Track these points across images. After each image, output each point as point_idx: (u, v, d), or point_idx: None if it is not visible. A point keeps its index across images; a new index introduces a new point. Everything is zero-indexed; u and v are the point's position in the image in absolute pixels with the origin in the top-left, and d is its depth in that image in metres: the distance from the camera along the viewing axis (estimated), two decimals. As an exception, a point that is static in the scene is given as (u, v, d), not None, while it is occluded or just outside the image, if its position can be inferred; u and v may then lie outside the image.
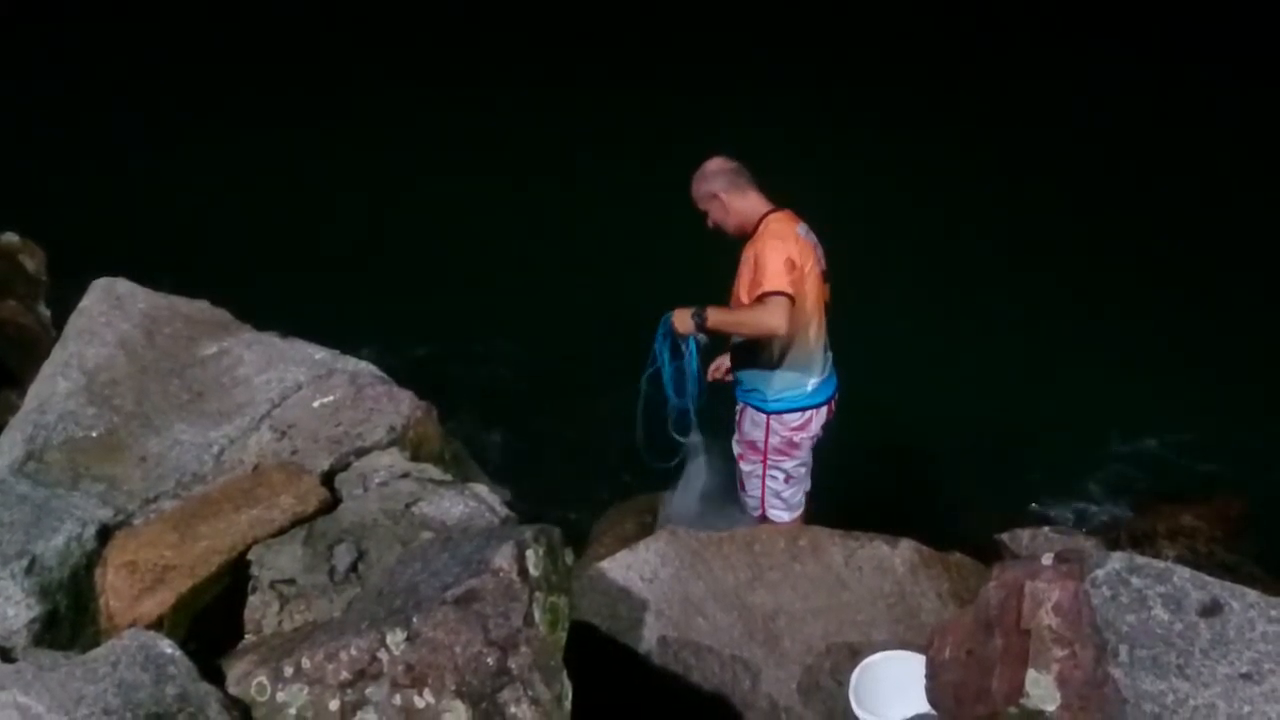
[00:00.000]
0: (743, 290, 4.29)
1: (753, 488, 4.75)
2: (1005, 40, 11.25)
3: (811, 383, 4.48)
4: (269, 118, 9.66)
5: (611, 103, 9.91)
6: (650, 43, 11.18)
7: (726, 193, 4.33)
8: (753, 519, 4.81)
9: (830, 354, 4.57)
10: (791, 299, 4.12)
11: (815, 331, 4.41)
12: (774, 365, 4.43)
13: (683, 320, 4.26)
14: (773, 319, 4.12)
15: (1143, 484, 6.11)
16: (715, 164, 4.40)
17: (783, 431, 4.54)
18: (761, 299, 4.12)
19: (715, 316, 4.24)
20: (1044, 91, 10.45)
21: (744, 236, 4.37)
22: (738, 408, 4.68)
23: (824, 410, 4.58)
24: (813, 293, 4.32)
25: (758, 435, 4.59)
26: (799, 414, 4.51)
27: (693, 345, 4.37)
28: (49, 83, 9.97)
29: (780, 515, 4.74)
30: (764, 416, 4.54)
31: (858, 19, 11.71)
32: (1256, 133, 9.47)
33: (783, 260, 4.14)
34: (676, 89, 10.18)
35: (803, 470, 4.70)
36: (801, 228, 4.32)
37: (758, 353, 4.42)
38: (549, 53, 11.03)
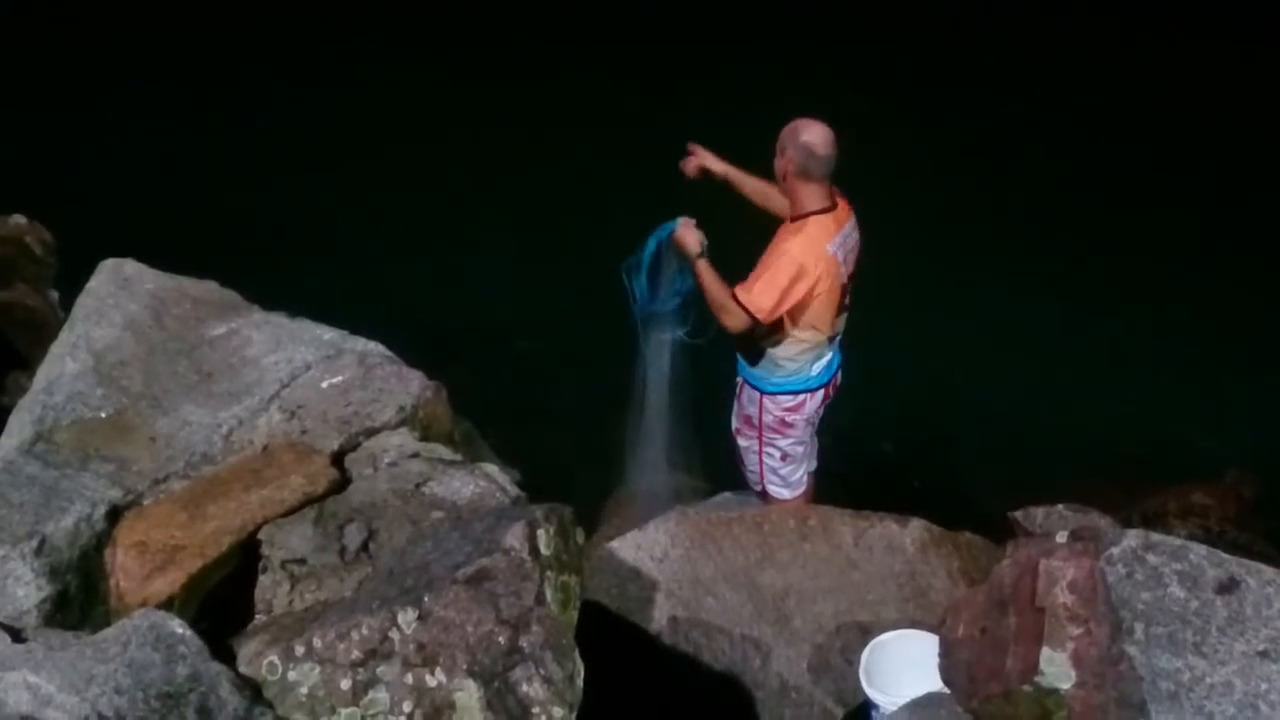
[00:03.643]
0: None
1: (751, 463, 4.75)
2: (1020, 24, 11.18)
3: (813, 372, 4.47)
4: (275, 98, 9.62)
5: (622, 86, 9.87)
6: (659, 23, 11.14)
7: (792, 165, 4.15)
8: (754, 493, 4.82)
9: (836, 349, 4.55)
10: (757, 321, 4.14)
11: (824, 338, 4.39)
12: (778, 359, 4.41)
13: (688, 242, 4.18)
14: (729, 321, 4.18)
15: (1154, 462, 6.08)
16: (808, 134, 4.14)
17: (776, 411, 4.53)
18: (739, 296, 4.13)
19: (703, 269, 4.17)
20: (1054, 79, 10.39)
21: (787, 210, 4.31)
22: (737, 381, 4.67)
23: (820, 394, 4.57)
24: (826, 307, 4.28)
25: (752, 411, 4.59)
26: (792, 396, 4.50)
27: (683, 272, 4.30)
28: (54, 64, 9.94)
29: (780, 492, 4.74)
30: (758, 394, 4.53)
31: (861, 6, 11.66)
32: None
33: (785, 284, 4.10)
34: (681, 78, 10.13)
35: (800, 450, 4.68)
36: (834, 242, 4.22)
37: (763, 345, 4.40)
38: (552, 35, 10.98)
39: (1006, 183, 8.67)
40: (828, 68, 10.27)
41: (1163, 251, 7.87)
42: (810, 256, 4.14)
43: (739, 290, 4.13)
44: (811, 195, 4.20)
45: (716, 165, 4.53)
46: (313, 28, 10.87)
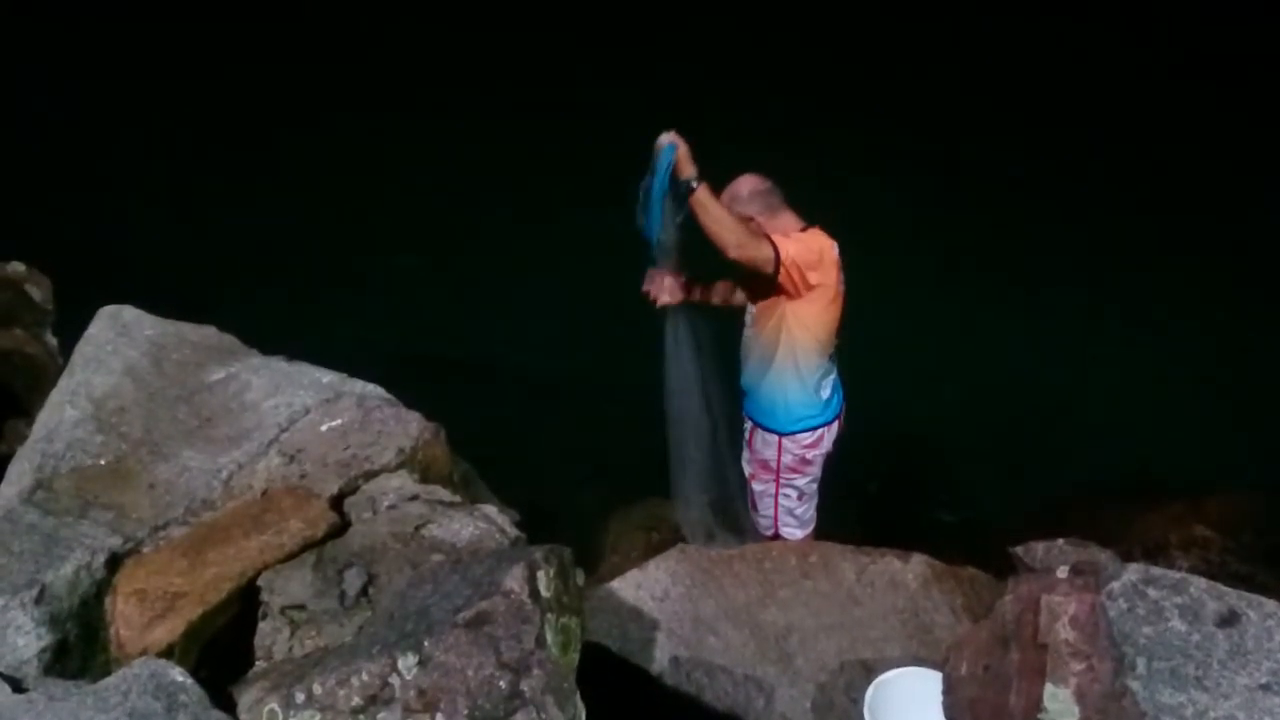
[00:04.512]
0: (760, 283, 4.25)
1: (765, 507, 4.73)
2: (1017, 30, 11.27)
3: (823, 401, 4.47)
4: (272, 143, 9.68)
5: (617, 117, 9.93)
6: (651, 57, 11.23)
7: (762, 215, 4.22)
8: (764, 536, 4.80)
9: (836, 369, 4.56)
10: (777, 259, 4.06)
11: (829, 349, 4.40)
12: (788, 387, 4.41)
13: (685, 169, 3.99)
14: (730, 235, 4.00)
15: (1154, 493, 6.05)
16: (749, 186, 4.27)
17: (795, 450, 4.52)
18: (758, 233, 4.10)
19: (703, 194, 3.98)
20: (1049, 84, 10.47)
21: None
22: (747, 426, 4.66)
23: (835, 426, 4.58)
24: (833, 308, 4.30)
25: (770, 454, 4.57)
26: (810, 433, 4.50)
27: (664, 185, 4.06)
28: (52, 110, 10.01)
29: (793, 532, 4.73)
30: (775, 436, 4.52)
31: (852, 17, 11.76)
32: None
33: (804, 253, 4.12)
34: (670, 111, 10.20)
35: (814, 487, 4.69)
36: (834, 248, 4.28)
37: (774, 373, 4.40)
38: (542, 74, 11.09)
39: (999, 216, 8.69)
40: (817, 83, 10.38)
41: (1163, 277, 7.89)
42: (821, 241, 4.22)
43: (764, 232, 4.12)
44: (789, 224, 4.26)
45: (679, 295, 4.49)
46: (306, 71, 10.96)
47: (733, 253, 4.04)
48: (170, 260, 7.69)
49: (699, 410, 4.53)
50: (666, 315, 4.42)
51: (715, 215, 4.01)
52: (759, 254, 4.07)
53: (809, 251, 4.15)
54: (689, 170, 4.01)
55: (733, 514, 4.94)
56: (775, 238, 4.10)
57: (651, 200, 4.09)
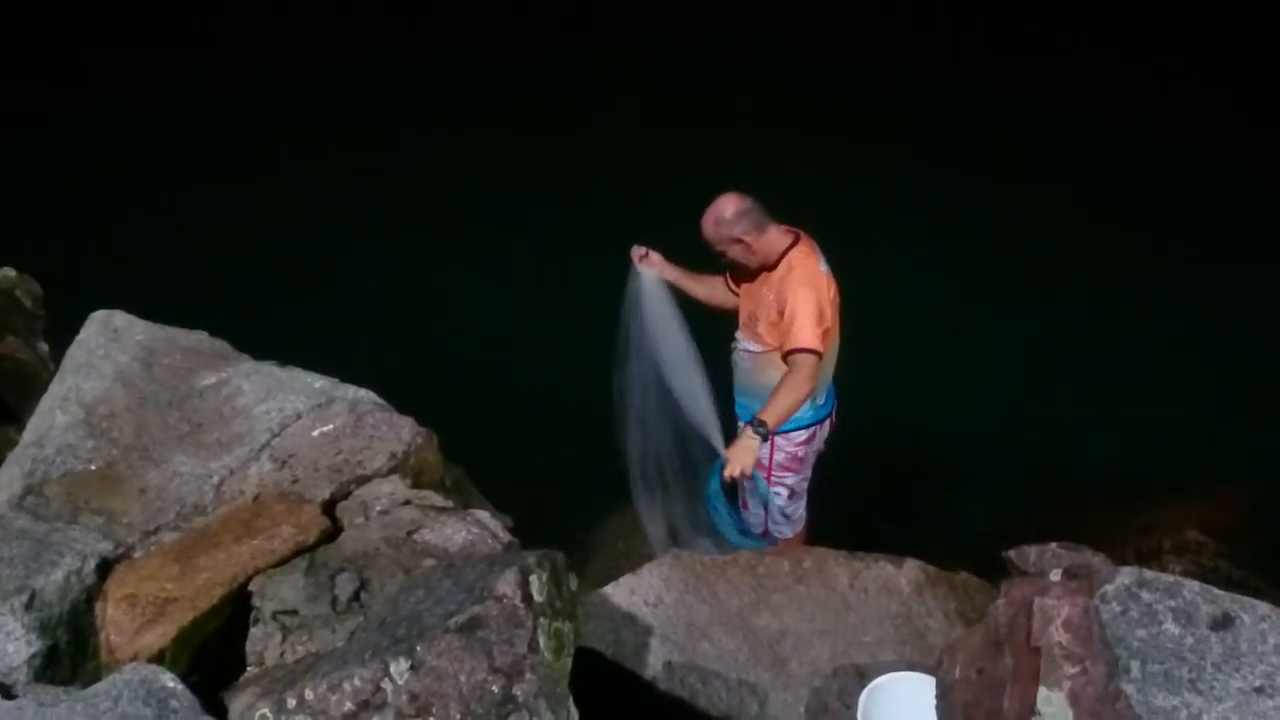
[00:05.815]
0: (765, 326, 4.27)
1: (755, 505, 4.74)
2: (1017, 51, 11.30)
3: (819, 401, 4.48)
4: (264, 147, 9.66)
5: (614, 130, 9.96)
6: (643, 67, 11.23)
7: (749, 235, 4.19)
8: (754, 537, 4.80)
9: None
10: (820, 356, 4.12)
11: (828, 378, 4.42)
12: None
13: (749, 452, 4.14)
14: (806, 387, 4.15)
15: (1147, 496, 6.07)
16: (732, 206, 4.21)
17: (787, 448, 4.53)
18: (789, 357, 4.13)
19: (772, 419, 4.14)
20: (1047, 103, 10.50)
21: (764, 269, 4.32)
22: (740, 425, 4.65)
23: (826, 424, 4.58)
24: (836, 324, 4.31)
25: (762, 453, 4.57)
26: (804, 430, 4.51)
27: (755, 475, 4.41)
28: (43, 116, 9.99)
29: (783, 531, 4.75)
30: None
31: (855, 31, 11.78)
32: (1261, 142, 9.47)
33: (815, 314, 4.12)
34: (679, 115, 10.22)
35: (804, 485, 4.70)
36: (822, 263, 4.28)
37: (770, 385, 4.40)
38: (542, 71, 11.11)
39: (995, 221, 8.70)
40: (816, 86, 10.39)
41: (1151, 280, 7.91)
42: (813, 276, 4.20)
43: (787, 347, 4.15)
44: (776, 239, 4.26)
45: (668, 271, 4.52)
46: (300, 76, 10.96)
47: (812, 387, 4.21)
48: (161, 265, 7.66)
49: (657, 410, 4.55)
50: (630, 280, 4.48)
51: (790, 409, 4.19)
52: (815, 369, 4.15)
53: (813, 301, 4.16)
54: (752, 455, 4.14)
55: (699, 522, 4.96)
56: (800, 337, 4.13)
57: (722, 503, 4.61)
